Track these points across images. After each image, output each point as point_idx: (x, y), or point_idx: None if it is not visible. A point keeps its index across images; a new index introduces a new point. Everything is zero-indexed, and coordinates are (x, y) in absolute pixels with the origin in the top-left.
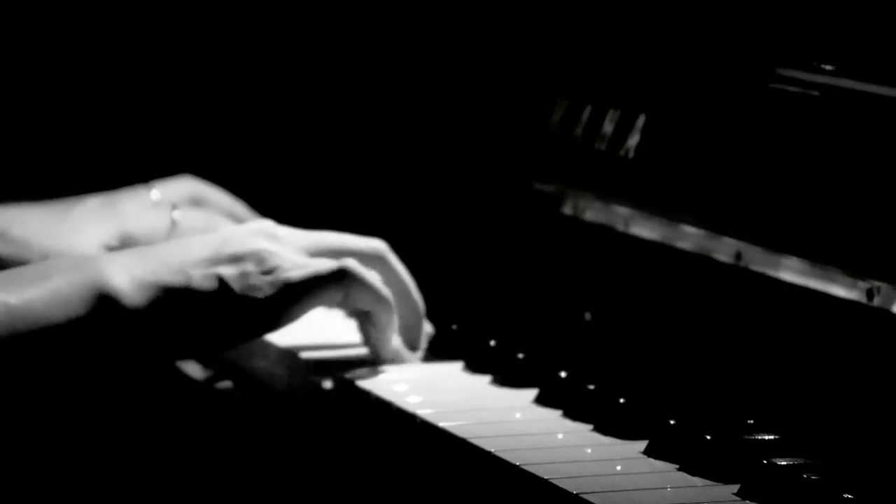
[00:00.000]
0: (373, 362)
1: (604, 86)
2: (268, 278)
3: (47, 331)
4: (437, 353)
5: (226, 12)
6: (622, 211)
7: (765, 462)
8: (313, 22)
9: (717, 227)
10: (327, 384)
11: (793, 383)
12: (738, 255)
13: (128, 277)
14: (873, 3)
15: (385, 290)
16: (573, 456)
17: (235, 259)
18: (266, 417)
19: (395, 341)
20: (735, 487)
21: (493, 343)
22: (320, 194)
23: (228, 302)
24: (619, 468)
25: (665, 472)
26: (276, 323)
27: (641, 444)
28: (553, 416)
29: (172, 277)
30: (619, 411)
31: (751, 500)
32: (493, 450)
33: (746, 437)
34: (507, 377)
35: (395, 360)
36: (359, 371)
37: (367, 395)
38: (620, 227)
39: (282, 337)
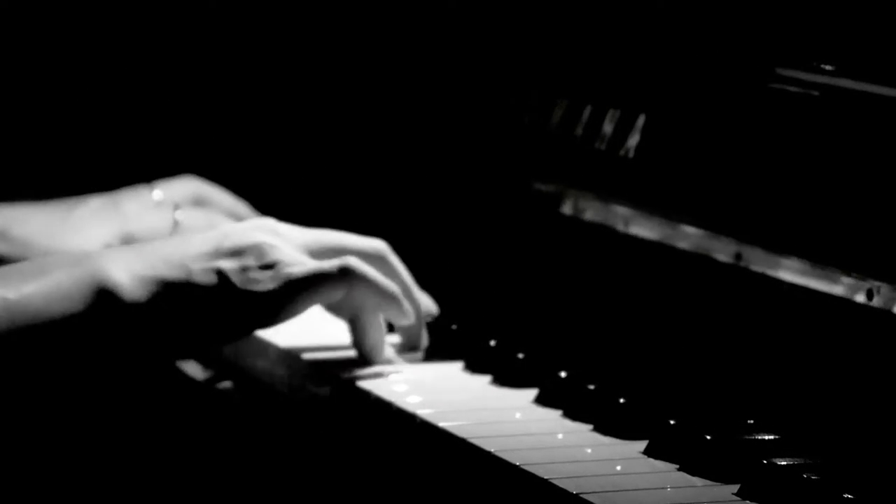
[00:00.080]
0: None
1: (604, 86)
2: (269, 273)
3: (46, 326)
4: (437, 353)
5: (227, 12)
6: (622, 211)
7: (765, 462)
8: (315, 22)
9: (716, 227)
10: (327, 385)
11: (793, 383)
12: (738, 256)
13: (127, 272)
14: (873, 3)
15: (390, 285)
16: (573, 456)
17: (236, 253)
18: (266, 418)
19: (389, 351)
20: (735, 487)
21: (492, 343)
22: (322, 194)
23: (229, 296)
24: (619, 468)
25: (665, 472)
26: (275, 318)
27: (641, 444)
28: (553, 416)
29: (172, 272)
30: (619, 411)
31: (751, 500)
32: (493, 450)
33: (746, 437)
34: (507, 377)
35: (392, 360)
36: (359, 371)
37: (367, 395)
38: (620, 227)
39: (282, 337)
